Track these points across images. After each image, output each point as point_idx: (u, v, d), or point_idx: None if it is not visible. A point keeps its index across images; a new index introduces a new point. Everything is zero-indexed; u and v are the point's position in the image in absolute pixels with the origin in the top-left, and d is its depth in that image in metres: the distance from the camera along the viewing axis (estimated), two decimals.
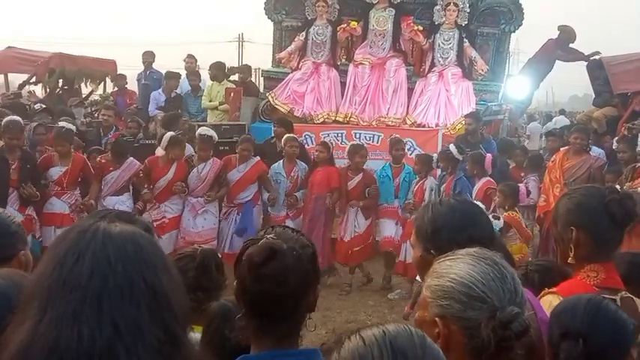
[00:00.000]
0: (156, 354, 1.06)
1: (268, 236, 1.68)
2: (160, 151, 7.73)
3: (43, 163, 7.32)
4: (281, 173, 8.06)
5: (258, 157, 8.00)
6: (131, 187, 7.75)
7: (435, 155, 7.93)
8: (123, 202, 7.54)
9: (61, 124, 7.72)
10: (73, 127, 7.74)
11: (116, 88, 12.60)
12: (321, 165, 8.00)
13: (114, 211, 1.17)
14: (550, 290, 2.19)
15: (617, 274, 2.21)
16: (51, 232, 7.05)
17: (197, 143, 7.90)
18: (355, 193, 7.93)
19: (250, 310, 1.66)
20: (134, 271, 1.09)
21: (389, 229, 7.94)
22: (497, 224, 5.70)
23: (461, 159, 7.54)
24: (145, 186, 7.65)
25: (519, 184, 7.32)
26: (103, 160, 7.66)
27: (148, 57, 11.69)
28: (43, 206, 7.19)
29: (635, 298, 2.17)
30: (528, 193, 7.71)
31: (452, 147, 7.69)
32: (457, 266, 1.50)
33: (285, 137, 8.11)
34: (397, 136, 8.37)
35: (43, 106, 9.83)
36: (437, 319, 1.46)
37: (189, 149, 8.05)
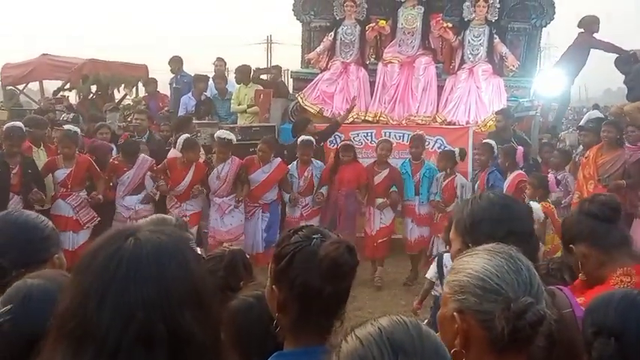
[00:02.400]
0: None
1: (315, 236, 1.70)
2: (174, 152, 7.89)
3: (47, 166, 7.38)
4: (293, 174, 8.20)
5: (279, 159, 8.15)
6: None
7: (457, 150, 8.02)
8: (142, 201, 7.77)
9: (66, 127, 7.88)
10: (78, 130, 7.85)
11: (147, 94, 12.79)
12: (345, 163, 8.12)
13: (139, 227, 1.14)
14: (580, 301, 2.17)
15: None
16: None
17: (216, 146, 8.03)
18: (381, 188, 8.06)
19: (299, 307, 1.67)
20: (155, 314, 1.05)
21: (407, 229, 8.15)
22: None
23: (496, 153, 7.59)
24: (162, 177, 7.79)
25: (549, 174, 7.28)
26: (116, 162, 7.82)
27: (175, 64, 11.79)
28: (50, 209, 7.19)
29: None
30: (558, 182, 7.62)
31: (491, 141, 7.75)
32: (473, 261, 1.52)
33: (299, 141, 8.18)
34: (419, 132, 8.46)
35: (71, 115, 10.04)
36: (455, 314, 1.48)
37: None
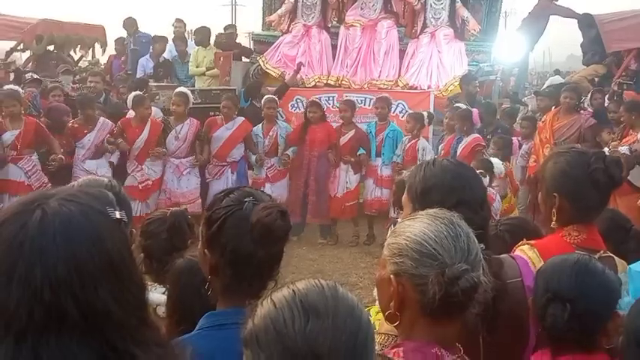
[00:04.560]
0: None
1: (246, 199, 1.67)
2: (131, 113, 7.77)
3: None
4: (258, 135, 8.24)
5: (242, 117, 8.13)
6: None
7: (426, 113, 8.02)
8: (103, 165, 7.56)
9: (6, 87, 7.56)
10: (19, 89, 7.56)
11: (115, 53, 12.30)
12: (315, 123, 8.13)
13: (49, 197, 1.06)
14: (527, 242, 2.19)
15: (600, 235, 2.20)
16: (5, 199, 6.93)
17: (172, 99, 7.96)
18: (346, 149, 8.11)
19: (230, 271, 1.65)
20: (64, 295, 1.00)
21: (370, 189, 8.23)
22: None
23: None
24: (120, 140, 7.65)
25: (513, 137, 7.38)
26: (76, 125, 7.59)
27: (131, 26, 11.38)
28: None
29: (614, 257, 2.18)
30: (520, 145, 7.73)
31: (462, 105, 7.84)
32: (414, 225, 1.51)
33: (264, 98, 8.28)
34: (385, 95, 8.46)
35: (35, 76, 9.72)
36: (392, 276, 1.48)
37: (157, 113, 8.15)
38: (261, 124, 8.27)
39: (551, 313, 1.71)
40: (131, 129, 7.70)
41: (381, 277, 1.54)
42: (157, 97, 8.78)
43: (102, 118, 7.67)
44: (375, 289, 1.63)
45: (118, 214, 1.14)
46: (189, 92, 7.98)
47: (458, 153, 7.21)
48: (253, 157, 8.23)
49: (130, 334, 1.06)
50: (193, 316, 1.79)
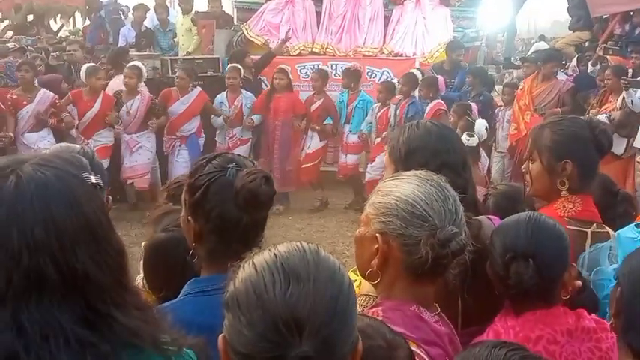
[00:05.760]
0: (76, 349, 0.99)
1: (229, 165, 1.66)
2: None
3: None
4: (223, 102, 8.21)
5: (199, 88, 8.02)
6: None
7: (394, 84, 8.11)
8: (43, 138, 7.24)
9: None
10: None
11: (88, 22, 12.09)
12: (280, 92, 8.14)
13: (23, 162, 1.06)
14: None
15: (594, 206, 2.20)
16: None
17: (125, 72, 7.70)
18: (314, 116, 8.22)
19: (215, 238, 1.65)
20: (43, 257, 0.99)
21: (340, 156, 8.41)
22: (473, 142, 6.01)
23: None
24: (65, 114, 7.36)
25: (471, 103, 7.44)
26: (15, 96, 7.23)
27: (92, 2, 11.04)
28: None
29: (609, 230, 2.18)
30: (479, 111, 7.78)
31: (416, 72, 7.94)
32: (402, 186, 1.52)
33: (227, 67, 8.25)
34: (354, 65, 8.57)
35: (17, 45, 9.55)
36: (378, 234, 1.49)
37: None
38: (225, 92, 8.23)
39: (515, 270, 1.73)
40: (82, 101, 7.44)
41: (362, 235, 1.55)
42: None
43: (42, 89, 7.34)
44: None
45: (93, 179, 1.14)
46: (142, 65, 7.75)
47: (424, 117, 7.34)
48: (219, 120, 8.14)
49: (109, 297, 1.06)
50: (173, 287, 1.79)
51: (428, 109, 7.59)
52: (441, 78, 7.95)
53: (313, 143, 8.33)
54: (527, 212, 1.91)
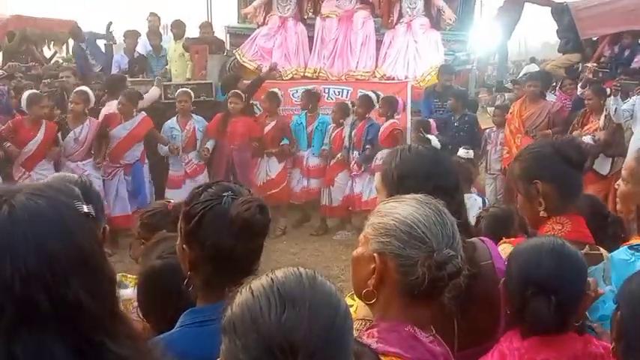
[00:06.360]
0: None
1: (225, 193, 1.66)
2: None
3: None
4: (175, 128, 8.11)
5: (143, 113, 7.81)
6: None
7: (348, 104, 8.29)
8: None
9: None
10: None
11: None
12: (235, 116, 8.13)
13: (16, 191, 1.05)
14: (508, 240, 2.19)
15: (585, 226, 2.20)
16: None
17: (72, 97, 7.47)
18: (268, 137, 8.25)
19: (210, 267, 1.65)
20: (36, 288, 0.98)
21: (296, 180, 8.46)
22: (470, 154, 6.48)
23: (377, 105, 8.00)
24: (8, 144, 7.03)
25: (430, 120, 7.79)
26: None
27: (76, 34, 10.87)
28: None
29: (603, 251, 2.17)
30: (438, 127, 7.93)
31: (371, 94, 8.20)
32: (402, 207, 1.53)
33: (178, 91, 8.17)
34: (314, 87, 8.74)
35: (5, 73, 9.58)
36: (375, 254, 1.49)
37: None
38: (176, 117, 8.16)
39: (535, 307, 1.71)
40: (24, 131, 7.12)
41: (360, 255, 1.55)
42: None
43: None
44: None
45: (85, 208, 1.14)
46: (89, 91, 7.55)
47: (379, 135, 7.77)
48: (165, 148, 8.00)
49: (102, 326, 1.05)
50: (168, 315, 1.77)
51: (384, 127, 7.82)
52: (400, 100, 8.13)
53: (273, 167, 8.33)
54: (549, 238, 1.86)
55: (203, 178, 8.00)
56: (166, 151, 7.99)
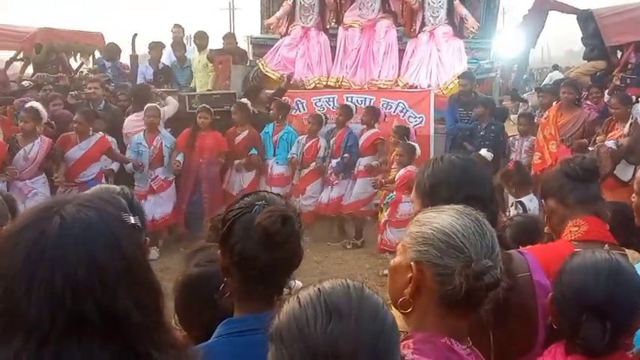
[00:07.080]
0: None
1: (258, 202, 1.68)
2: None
3: None
4: (142, 143, 7.95)
5: (101, 133, 7.55)
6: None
7: (323, 116, 8.54)
8: None
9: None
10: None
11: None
12: (204, 130, 8.18)
13: (66, 202, 1.07)
14: (524, 249, 2.18)
15: (603, 225, 2.18)
16: None
17: (21, 115, 7.30)
18: (239, 149, 8.32)
19: (239, 274, 1.66)
20: (85, 298, 1.01)
21: (262, 188, 8.29)
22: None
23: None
24: None
25: (410, 128, 8.10)
26: None
27: (114, 52, 11.16)
28: None
29: (625, 249, 2.16)
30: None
31: (350, 103, 8.60)
32: (440, 217, 1.53)
33: (145, 106, 7.99)
34: (287, 98, 8.88)
35: (32, 83, 9.74)
36: (412, 263, 1.49)
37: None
38: (142, 133, 7.98)
39: (590, 333, 1.67)
40: None
41: (397, 264, 1.55)
42: (159, 102, 8.69)
43: None
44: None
45: (132, 220, 1.16)
46: (40, 107, 7.30)
47: (360, 144, 8.14)
48: (129, 165, 7.82)
49: (148, 337, 1.07)
50: (204, 323, 1.79)
51: (366, 136, 8.14)
52: (382, 111, 8.50)
53: (245, 178, 8.35)
54: (604, 255, 1.81)
55: (168, 194, 8.06)
56: (130, 168, 7.85)
